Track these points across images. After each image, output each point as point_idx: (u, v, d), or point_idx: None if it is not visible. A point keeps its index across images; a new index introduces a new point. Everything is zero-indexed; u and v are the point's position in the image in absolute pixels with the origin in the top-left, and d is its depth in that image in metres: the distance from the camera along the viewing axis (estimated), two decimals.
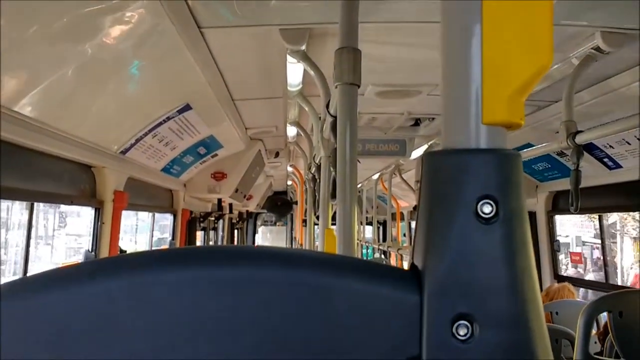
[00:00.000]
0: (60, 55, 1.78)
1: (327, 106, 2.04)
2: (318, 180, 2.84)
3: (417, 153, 4.80)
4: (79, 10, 1.60)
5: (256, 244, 12.38)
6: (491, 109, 0.44)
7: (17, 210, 2.29)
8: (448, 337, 0.42)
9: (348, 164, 1.57)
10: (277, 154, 5.66)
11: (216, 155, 4.50)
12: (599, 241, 5.05)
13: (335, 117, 1.74)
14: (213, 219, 6.33)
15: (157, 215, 4.79)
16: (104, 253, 2.87)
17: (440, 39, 0.47)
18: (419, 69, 2.73)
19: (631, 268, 9.72)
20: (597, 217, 4.23)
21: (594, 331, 2.42)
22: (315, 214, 3.82)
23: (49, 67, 1.81)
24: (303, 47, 2.22)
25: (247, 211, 10.28)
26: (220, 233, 8.02)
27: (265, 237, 13.79)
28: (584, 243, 10.62)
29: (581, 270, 9.13)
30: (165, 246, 5.01)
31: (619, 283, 7.24)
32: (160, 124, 2.95)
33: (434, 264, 0.44)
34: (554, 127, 2.93)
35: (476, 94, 0.44)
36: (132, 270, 0.44)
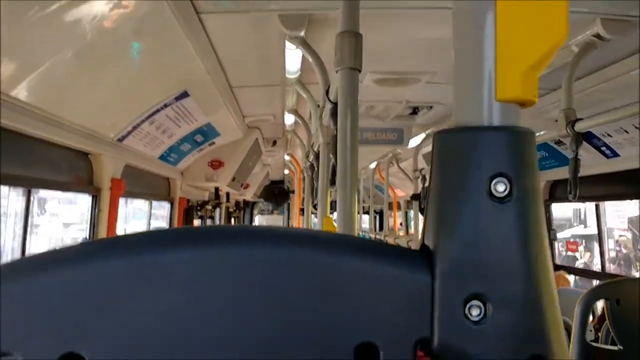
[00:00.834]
0: (56, 41, 1.76)
1: (327, 92, 2.03)
2: (316, 169, 2.83)
3: (415, 142, 4.80)
4: None
5: None
6: (505, 86, 0.43)
7: (5, 196, 2.27)
8: (460, 318, 0.41)
9: (349, 150, 1.55)
10: (274, 143, 5.65)
11: (213, 143, 4.48)
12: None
13: (335, 104, 1.72)
14: (210, 207, 6.31)
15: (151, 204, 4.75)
16: None
17: (453, 13, 0.45)
18: (418, 56, 2.71)
19: None
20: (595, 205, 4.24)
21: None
22: (312, 203, 3.81)
23: (45, 53, 1.78)
24: (302, 33, 2.20)
25: (243, 200, 10.27)
26: (217, 222, 8.01)
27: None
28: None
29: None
30: None
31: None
32: (157, 111, 2.93)
33: (446, 243, 0.43)
34: (553, 115, 2.92)
35: (489, 70, 0.43)
36: (135, 249, 0.43)
